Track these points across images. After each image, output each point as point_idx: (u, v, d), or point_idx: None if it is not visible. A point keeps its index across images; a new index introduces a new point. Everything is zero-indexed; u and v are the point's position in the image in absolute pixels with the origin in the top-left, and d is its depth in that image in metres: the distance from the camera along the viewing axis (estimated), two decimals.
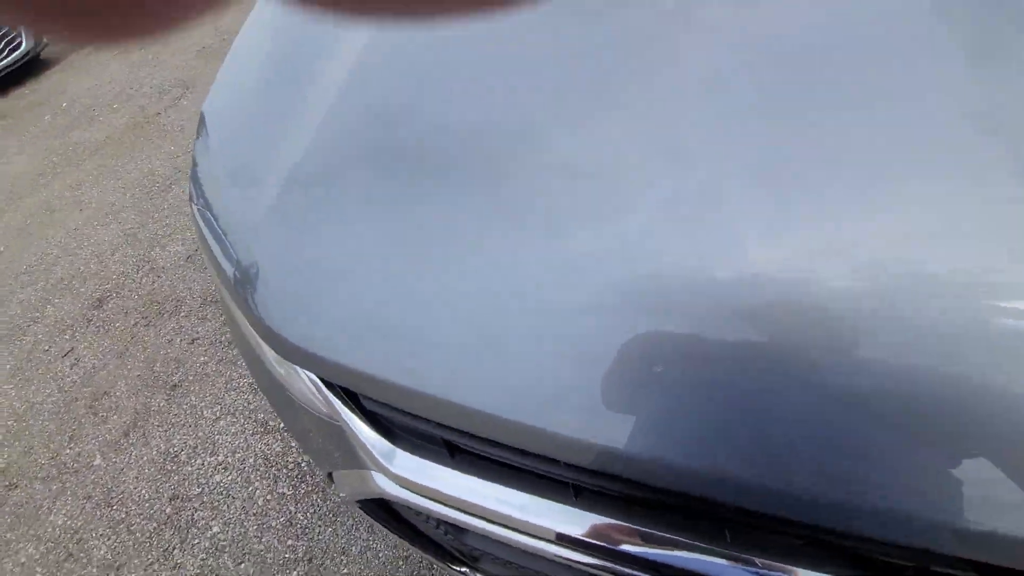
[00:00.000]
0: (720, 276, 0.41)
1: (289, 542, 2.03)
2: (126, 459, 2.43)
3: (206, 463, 2.34)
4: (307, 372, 0.81)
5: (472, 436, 0.67)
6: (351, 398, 0.80)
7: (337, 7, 0.10)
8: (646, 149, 0.47)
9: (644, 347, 0.46)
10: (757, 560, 0.60)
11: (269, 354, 0.87)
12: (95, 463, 2.45)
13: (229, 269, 0.73)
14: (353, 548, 1.94)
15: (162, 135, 4.62)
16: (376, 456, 0.79)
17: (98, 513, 2.28)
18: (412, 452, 0.78)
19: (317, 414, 0.85)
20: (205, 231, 0.79)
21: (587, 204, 0.48)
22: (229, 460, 2.32)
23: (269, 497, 2.16)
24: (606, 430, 0.48)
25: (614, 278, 0.47)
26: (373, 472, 0.83)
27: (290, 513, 2.10)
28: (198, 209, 0.81)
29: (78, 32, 0.11)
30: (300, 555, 1.98)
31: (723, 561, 0.61)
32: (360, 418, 0.79)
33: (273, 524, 2.08)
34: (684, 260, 0.44)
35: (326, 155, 0.66)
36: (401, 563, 1.85)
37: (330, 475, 0.98)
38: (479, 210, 0.54)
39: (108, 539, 2.19)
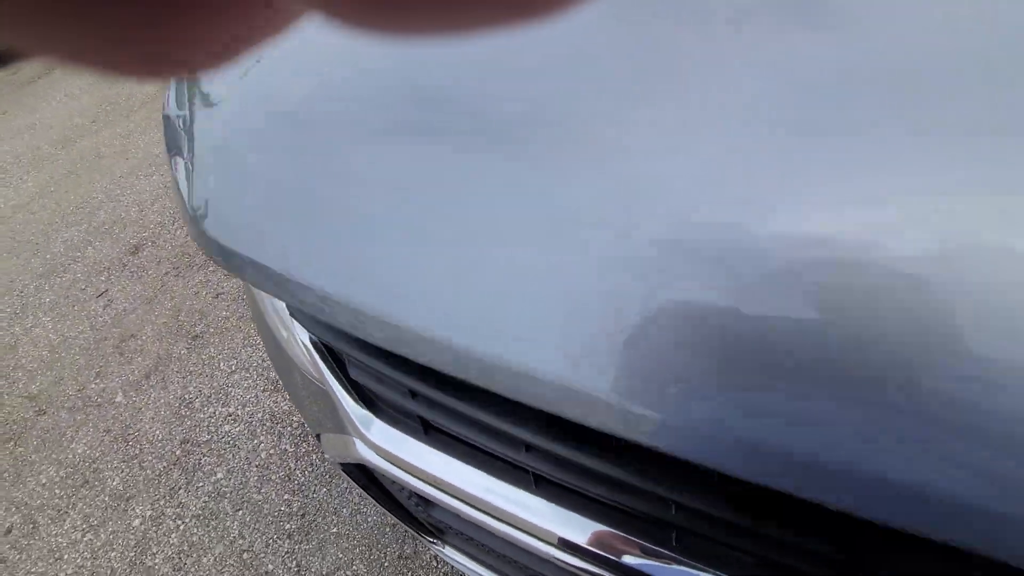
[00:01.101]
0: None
1: (285, 496, 2.12)
2: (145, 400, 2.57)
3: (217, 412, 2.45)
4: (302, 336, 0.85)
5: (444, 389, 0.69)
6: (340, 367, 0.84)
7: (376, 25, 0.09)
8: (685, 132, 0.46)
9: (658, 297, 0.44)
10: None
11: (272, 315, 0.92)
12: (117, 399, 2.60)
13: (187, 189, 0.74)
14: (344, 510, 2.02)
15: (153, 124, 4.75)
16: (357, 424, 0.83)
17: (115, 447, 2.42)
18: (390, 424, 0.82)
19: (309, 378, 0.89)
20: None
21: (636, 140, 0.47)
22: (239, 412, 2.43)
23: (272, 452, 2.26)
24: (590, 376, 0.46)
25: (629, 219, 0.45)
26: (355, 439, 0.87)
27: (289, 469, 2.19)
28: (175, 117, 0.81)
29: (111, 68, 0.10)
30: (294, 510, 2.07)
31: (673, 566, 0.63)
32: (344, 387, 0.83)
33: (273, 477, 2.18)
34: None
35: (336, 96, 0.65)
36: (388, 529, 1.92)
37: (319, 436, 1.03)
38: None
39: (121, 472, 2.33)
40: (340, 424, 0.89)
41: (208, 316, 2.86)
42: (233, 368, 2.60)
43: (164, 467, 2.32)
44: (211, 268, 3.11)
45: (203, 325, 2.82)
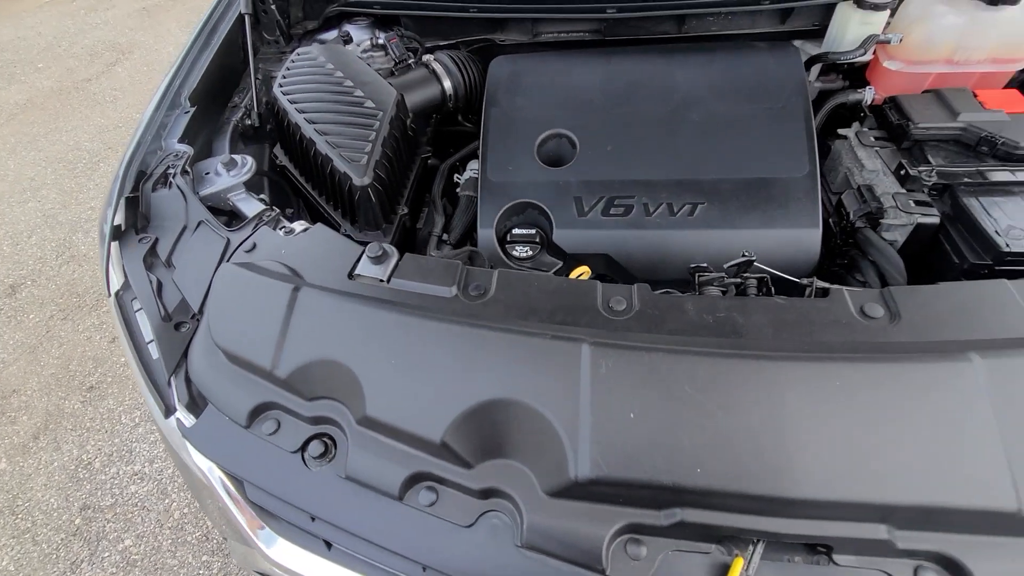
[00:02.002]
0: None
1: (204, 558, 2.02)
2: (35, 464, 2.33)
3: (121, 472, 2.28)
4: (200, 461, 0.83)
5: (346, 532, 0.72)
6: (240, 488, 0.82)
7: None
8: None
9: None
10: None
11: (171, 437, 0.88)
12: (0, 466, 2.34)
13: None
14: None
15: (91, 104, 4.31)
16: (259, 544, 0.82)
17: (1, 522, 2.19)
18: (292, 541, 0.81)
19: (212, 498, 0.87)
20: None
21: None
22: (146, 470, 2.27)
23: (186, 511, 2.14)
24: None
25: None
26: (257, 551, 0.86)
27: (206, 528, 2.08)
28: None
29: None
30: (215, 572, 1.98)
31: None
32: (244, 510, 0.82)
33: (188, 539, 2.07)
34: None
35: None
36: None
37: (225, 538, 1.00)
38: None
39: (11, 550, 2.11)
40: (242, 536, 0.87)
41: (104, 364, 2.63)
42: (136, 420, 2.42)
43: (62, 539, 2.13)
44: (105, 308, 2.86)
45: (99, 374, 2.60)
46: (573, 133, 1.25)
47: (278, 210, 1.08)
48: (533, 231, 1.21)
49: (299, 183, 1.32)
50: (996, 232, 1.01)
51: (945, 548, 0.61)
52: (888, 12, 1.25)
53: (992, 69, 1.26)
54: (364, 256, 0.92)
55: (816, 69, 1.40)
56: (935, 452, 0.61)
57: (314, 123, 1.20)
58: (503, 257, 1.20)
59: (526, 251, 1.20)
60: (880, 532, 0.62)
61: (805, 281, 0.88)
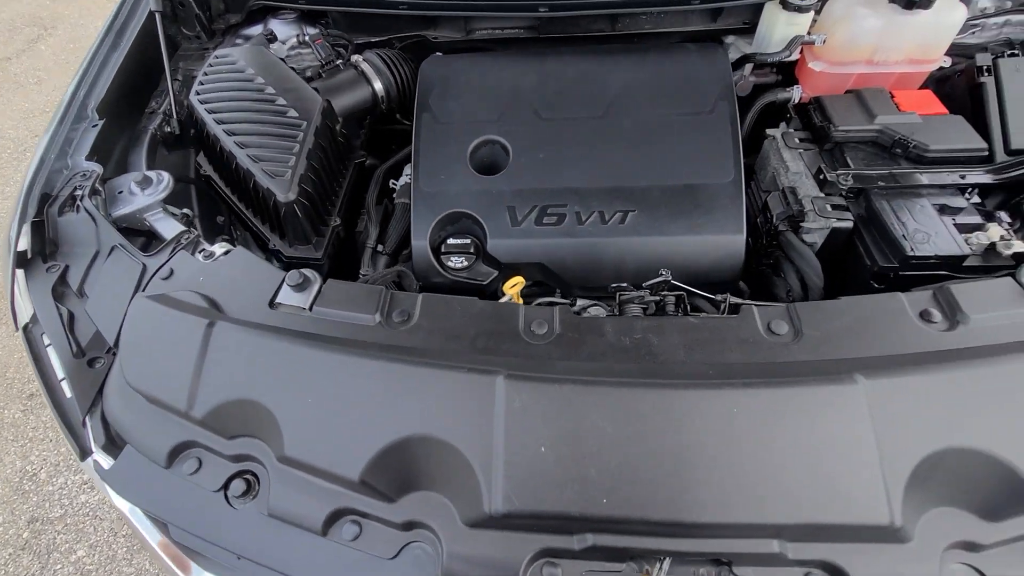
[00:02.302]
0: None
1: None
2: None
3: (69, 482, 2.22)
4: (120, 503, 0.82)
5: (272, 570, 0.72)
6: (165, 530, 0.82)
7: None
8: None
9: None
10: None
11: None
12: None
13: None
14: None
15: (13, 87, 4.01)
16: None
17: None
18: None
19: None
20: None
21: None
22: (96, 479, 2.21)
23: None
24: None
25: None
26: None
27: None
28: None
29: None
30: None
31: None
32: (168, 546, 0.82)
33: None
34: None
35: None
36: None
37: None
38: None
39: None
40: None
41: None
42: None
43: (10, 554, 2.08)
44: None
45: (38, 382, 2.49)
46: (506, 140, 1.23)
47: (197, 232, 1.04)
48: (468, 241, 1.21)
49: (224, 195, 1.27)
50: (903, 236, 1.06)
51: (830, 556, 0.66)
52: (812, 14, 1.27)
53: (909, 70, 1.30)
54: (284, 284, 0.90)
55: (749, 66, 1.42)
56: (820, 472, 0.66)
57: (234, 135, 1.15)
58: (438, 268, 1.19)
59: (461, 261, 1.20)
60: (773, 547, 0.66)
61: (719, 297, 0.91)
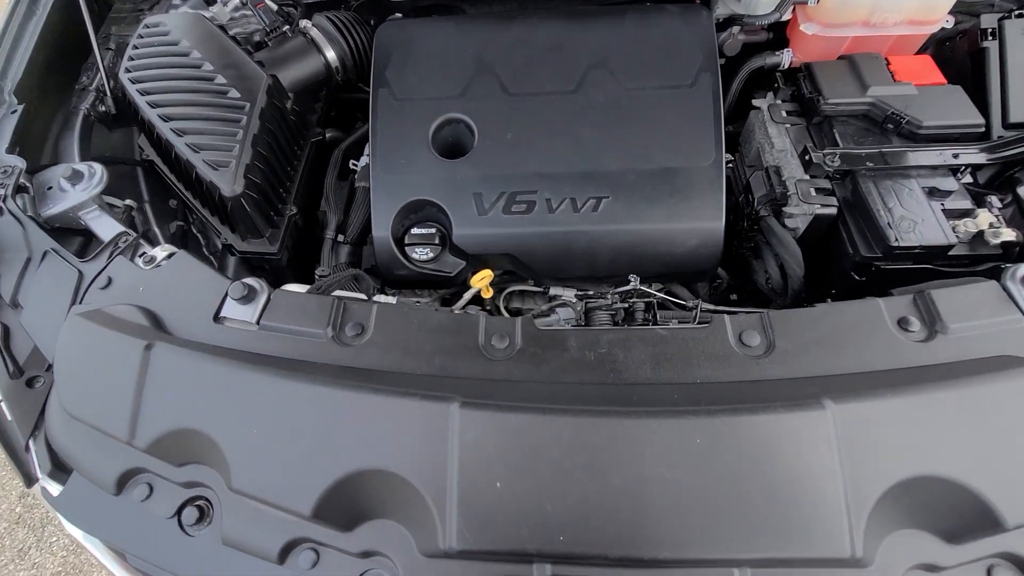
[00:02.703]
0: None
1: None
2: None
3: None
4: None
5: None
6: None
7: None
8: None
9: None
10: None
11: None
12: None
13: None
14: None
15: None
16: None
17: None
18: None
19: None
20: None
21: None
22: None
23: None
24: None
25: None
26: None
27: None
28: None
29: None
30: None
31: None
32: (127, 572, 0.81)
33: None
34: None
35: None
36: None
37: None
38: None
39: None
40: None
41: None
42: None
43: (6, 528, 2.11)
44: None
45: None
46: (471, 118, 1.14)
47: (135, 234, 0.97)
48: (433, 230, 1.14)
49: (170, 182, 1.18)
50: (888, 224, 1.00)
51: None
52: None
53: (908, 32, 1.20)
54: (228, 298, 0.84)
55: (737, 28, 1.30)
56: (783, 504, 0.64)
57: (169, 119, 1.05)
58: (402, 261, 1.13)
59: (427, 252, 1.13)
60: None
61: (691, 303, 0.86)
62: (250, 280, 0.86)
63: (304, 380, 0.74)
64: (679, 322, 0.88)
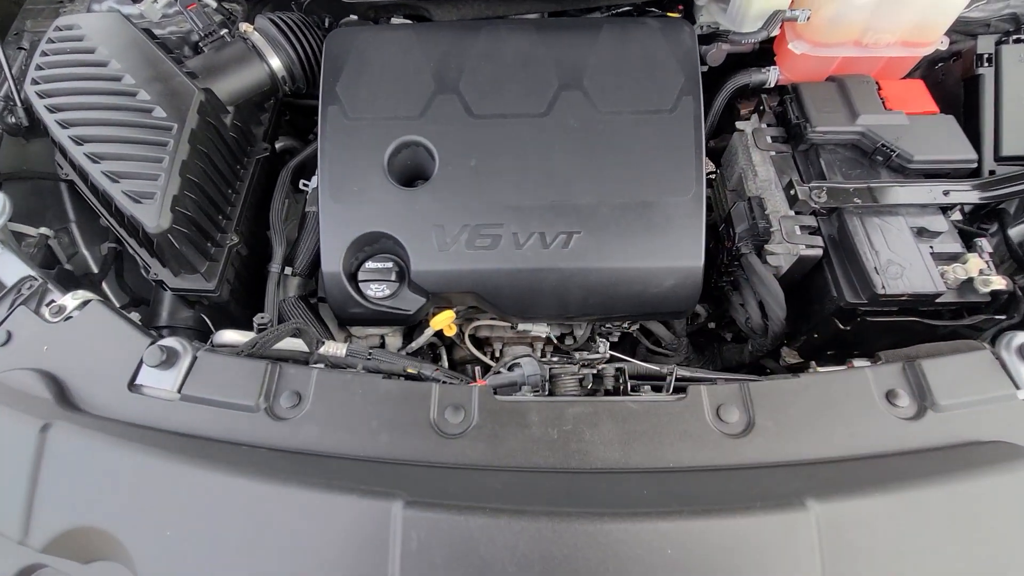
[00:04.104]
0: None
1: None
2: None
3: None
4: None
5: None
6: None
7: None
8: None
9: None
10: None
11: None
12: None
13: None
14: None
15: None
16: None
17: None
18: None
19: None
20: None
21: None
22: None
23: None
24: None
25: None
26: None
27: None
28: None
29: None
30: None
31: None
32: None
33: None
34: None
35: None
36: None
37: None
38: None
39: None
40: None
41: None
42: None
43: None
44: None
45: None
46: (431, 142, 1.03)
47: (42, 279, 0.85)
48: (390, 264, 1.04)
49: (93, 205, 1.05)
50: (875, 269, 0.94)
51: None
52: None
53: (901, 54, 1.12)
54: (144, 364, 0.74)
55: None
56: None
57: (84, 141, 0.92)
58: (356, 299, 1.03)
59: (383, 289, 1.03)
60: None
61: (665, 370, 0.79)
62: (170, 342, 0.76)
63: (226, 471, 0.64)
64: (652, 388, 0.81)
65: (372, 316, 1.05)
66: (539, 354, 1.25)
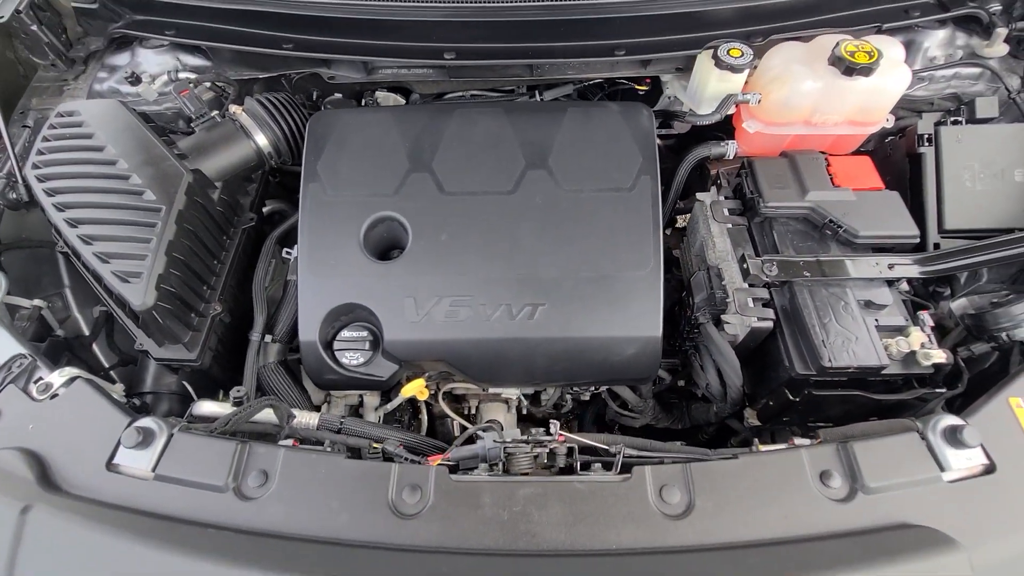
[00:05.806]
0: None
1: None
2: None
3: None
4: None
5: None
6: None
7: None
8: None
9: None
10: None
11: None
12: None
13: None
14: None
15: None
16: None
17: None
18: None
19: None
20: None
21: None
22: None
23: None
24: None
25: None
26: None
27: None
28: None
29: None
30: None
31: None
32: None
33: None
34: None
35: None
36: None
37: None
38: None
39: None
40: None
41: None
42: None
43: None
44: None
45: None
46: (404, 217, 1.10)
47: (31, 356, 0.90)
48: (364, 333, 1.09)
49: (85, 278, 1.11)
50: (823, 343, 0.99)
51: None
52: (746, 72, 1.13)
53: (849, 132, 1.20)
54: (121, 445, 0.79)
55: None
56: None
57: (78, 224, 0.99)
58: (331, 366, 1.08)
59: (357, 358, 1.09)
60: None
61: (614, 449, 0.83)
62: (146, 422, 0.81)
63: (194, 556, 0.69)
64: (603, 465, 0.85)
65: (347, 382, 1.10)
66: (513, 412, 1.30)
